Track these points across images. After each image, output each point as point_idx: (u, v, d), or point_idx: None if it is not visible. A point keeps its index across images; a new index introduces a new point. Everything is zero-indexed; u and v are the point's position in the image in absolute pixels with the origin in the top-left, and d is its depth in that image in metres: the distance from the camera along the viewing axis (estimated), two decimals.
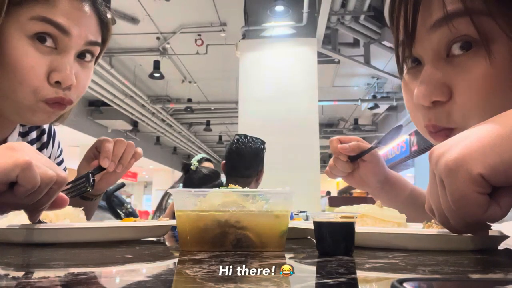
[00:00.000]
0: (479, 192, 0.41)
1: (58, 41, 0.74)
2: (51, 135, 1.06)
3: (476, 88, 0.51)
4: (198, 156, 2.67)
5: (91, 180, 0.85)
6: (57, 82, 0.75)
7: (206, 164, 2.78)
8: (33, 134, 0.99)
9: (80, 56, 0.80)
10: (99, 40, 0.82)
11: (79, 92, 0.81)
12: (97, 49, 0.83)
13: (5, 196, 0.54)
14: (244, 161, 2.08)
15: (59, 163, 1.09)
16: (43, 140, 1.02)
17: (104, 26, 0.83)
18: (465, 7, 0.50)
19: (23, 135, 0.95)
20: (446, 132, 0.56)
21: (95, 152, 0.93)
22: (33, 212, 0.60)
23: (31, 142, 0.97)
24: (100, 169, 0.88)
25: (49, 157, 1.04)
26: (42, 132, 1.03)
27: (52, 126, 1.06)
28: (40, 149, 1.01)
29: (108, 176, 0.95)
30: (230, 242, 0.57)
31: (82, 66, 0.81)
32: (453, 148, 0.43)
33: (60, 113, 0.81)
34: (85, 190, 0.85)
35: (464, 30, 0.51)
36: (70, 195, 0.77)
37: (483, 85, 0.51)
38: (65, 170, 1.10)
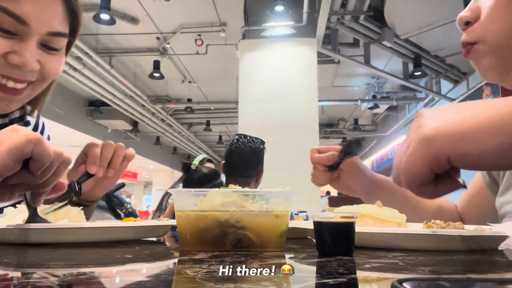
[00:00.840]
0: (432, 169, 0.43)
1: (17, 29, 0.74)
2: (37, 129, 1.04)
3: (493, 7, 0.60)
4: (200, 157, 2.66)
5: (76, 189, 0.79)
6: (17, 67, 0.74)
7: (208, 165, 2.78)
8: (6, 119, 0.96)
9: (46, 47, 0.79)
10: (66, 30, 0.81)
11: (46, 76, 0.80)
12: (62, 40, 0.81)
13: (19, 176, 0.57)
14: (244, 161, 2.07)
15: None
16: None
17: (73, 16, 0.82)
18: None
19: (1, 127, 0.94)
20: (469, 47, 0.64)
21: (83, 157, 0.89)
22: (38, 195, 0.61)
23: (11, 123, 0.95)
24: (88, 175, 0.83)
25: None
26: (26, 124, 1.00)
27: (40, 121, 1.04)
28: None
29: (102, 182, 0.93)
30: (230, 242, 0.57)
31: (49, 54, 0.80)
32: (434, 120, 0.44)
33: (19, 98, 0.80)
34: (71, 200, 0.79)
35: None
36: (55, 208, 0.75)
37: (498, 4, 0.60)
38: None
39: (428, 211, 0.96)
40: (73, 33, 0.84)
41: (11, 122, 0.95)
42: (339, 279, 0.40)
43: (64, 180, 0.90)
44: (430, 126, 0.44)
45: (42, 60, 0.78)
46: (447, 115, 0.44)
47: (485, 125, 0.41)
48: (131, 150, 0.91)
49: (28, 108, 0.95)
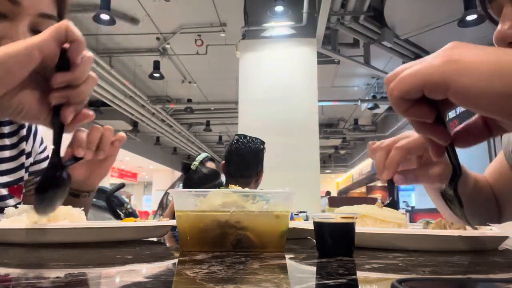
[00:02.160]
0: (424, 89, 0.44)
1: (8, 10, 0.73)
2: (31, 130, 1.03)
3: None
4: (202, 155, 2.66)
5: (63, 174, 0.70)
6: None
7: (209, 164, 2.78)
8: (5, 129, 0.96)
9: (36, 32, 0.77)
10: (54, 13, 0.80)
11: None
12: (52, 24, 0.81)
13: (65, 74, 0.58)
14: (244, 162, 2.08)
15: (43, 160, 1.07)
16: (21, 134, 0.99)
17: (61, 0, 0.82)
18: None
19: None
20: None
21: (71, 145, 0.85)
22: (69, 109, 0.60)
23: (1, 136, 0.94)
24: (75, 159, 0.79)
25: (30, 153, 1.02)
26: (21, 126, 1.00)
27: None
28: (18, 142, 0.98)
29: (96, 170, 0.90)
30: (230, 243, 0.57)
31: None
32: (459, 51, 0.44)
33: None
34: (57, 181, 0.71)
35: None
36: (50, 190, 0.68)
37: None
38: None
39: (467, 184, 0.88)
40: (60, 17, 0.83)
41: (1, 123, 0.95)
42: (339, 280, 0.40)
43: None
44: (448, 53, 0.44)
45: None
46: (469, 51, 0.44)
47: (497, 67, 0.42)
48: (121, 133, 0.89)
49: None
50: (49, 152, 1.09)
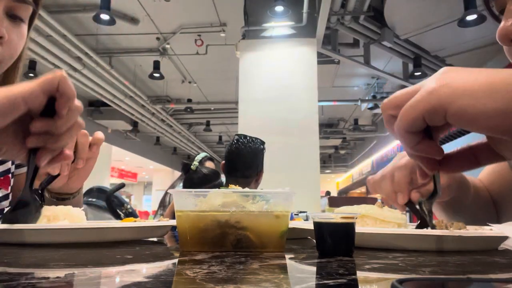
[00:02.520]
0: (425, 118, 0.45)
1: None
2: None
3: None
4: (201, 155, 2.66)
5: (39, 199, 0.69)
6: None
7: (208, 163, 2.78)
8: None
9: (11, 16, 0.77)
10: None
11: (11, 50, 0.78)
12: (28, 9, 0.79)
13: (45, 122, 0.57)
14: (244, 161, 2.08)
15: None
16: None
17: None
18: None
19: None
20: None
21: None
22: (46, 153, 0.59)
23: None
24: (52, 177, 0.75)
25: None
26: None
27: None
28: None
29: (76, 173, 0.86)
30: (230, 243, 0.57)
31: (14, 25, 0.78)
32: (448, 76, 0.45)
33: None
34: (37, 211, 0.68)
35: None
36: (20, 220, 0.65)
37: None
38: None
39: (468, 191, 0.89)
40: (36, 1, 0.82)
41: None
42: (339, 280, 0.40)
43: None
44: (441, 79, 0.45)
45: (8, 30, 0.75)
46: (461, 74, 0.45)
47: (489, 86, 0.42)
48: (98, 134, 0.84)
49: None
50: None
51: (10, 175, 0.96)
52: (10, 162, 0.97)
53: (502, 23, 0.59)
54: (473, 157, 0.51)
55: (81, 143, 0.80)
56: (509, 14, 0.58)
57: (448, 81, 0.44)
